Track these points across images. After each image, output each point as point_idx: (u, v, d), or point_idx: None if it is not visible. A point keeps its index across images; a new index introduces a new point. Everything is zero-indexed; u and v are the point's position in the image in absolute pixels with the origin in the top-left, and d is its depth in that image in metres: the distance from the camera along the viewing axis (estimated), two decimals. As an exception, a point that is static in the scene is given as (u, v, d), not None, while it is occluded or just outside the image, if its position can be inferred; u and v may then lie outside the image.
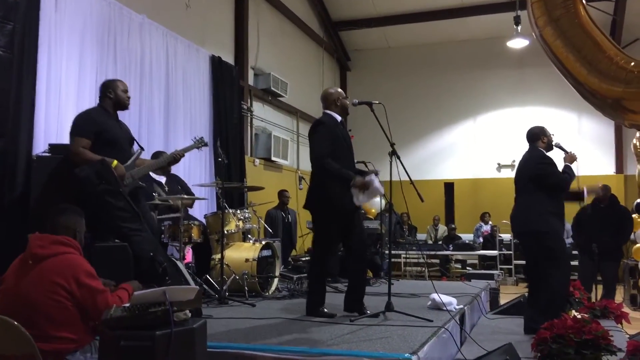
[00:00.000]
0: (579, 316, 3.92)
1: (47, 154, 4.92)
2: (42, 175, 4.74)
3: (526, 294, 5.32)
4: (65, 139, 4.46)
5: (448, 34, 14.01)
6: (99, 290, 2.94)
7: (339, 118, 4.57)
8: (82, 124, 4.38)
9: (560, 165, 4.89)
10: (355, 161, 4.71)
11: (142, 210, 4.47)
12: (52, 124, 5.66)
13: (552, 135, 5.00)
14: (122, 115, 4.74)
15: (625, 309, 5.74)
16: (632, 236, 8.05)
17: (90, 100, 5.93)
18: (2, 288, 3.01)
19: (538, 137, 4.94)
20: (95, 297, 2.89)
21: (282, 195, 9.02)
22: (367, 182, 4.14)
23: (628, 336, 4.66)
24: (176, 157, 4.87)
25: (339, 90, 4.69)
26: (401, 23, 13.58)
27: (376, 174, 4.30)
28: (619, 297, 7.93)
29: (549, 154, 4.93)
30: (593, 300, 6.53)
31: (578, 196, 4.86)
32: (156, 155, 5.72)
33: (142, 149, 4.69)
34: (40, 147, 5.32)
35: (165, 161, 4.90)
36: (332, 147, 4.34)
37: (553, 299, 4.62)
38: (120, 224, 4.19)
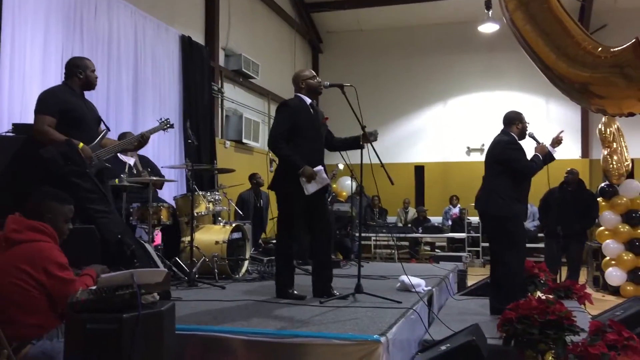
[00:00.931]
0: (543, 297, 4.00)
1: (10, 134, 4.79)
2: (5, 156, 4.61)
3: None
4: (30, 119, 4.35)
5: (420, 17, 14.03)
6: (69, 281, 2.87)
7: (308, 100, 4.53)
8: (47, 101, 4.25)
9: (530, 154, 4.93)
10: (323, 144, 4.68)
11: (107, 191, 4.39)
12: (16, 103, 5.53)
13: (527, 124, 5.03)
14: (89, 95, 4.63)
15: (588, 290, 5.88)
16: (596, 219, 8.22)
17: (55, 79, 5.79)
18: None
19: (513, 122, 4.99)
20: (66, 288, 2.82)
21: (255, 177, 8.99)
22: (314, 173, 4.24)
23: (590, 317, 4.79)
24: (144, 139, 4.74)
25: (307, 71, 4.63)
26: (373, 5, 13.54)
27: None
28: (582, 278, 8.12)
29: (521, 141, 4.98)
30: (558, 281, 6.68)
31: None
32: (122, 136, 5.62)
33: (107, 129, 4.59)
34: (3, 126, 5.20)
35: (132, 143, 4.78)
36: (290, 129, 4.33)
37: (511, 282, 4.71)
38: (87, 205, 4.11)
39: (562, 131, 5.08)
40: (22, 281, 2.80)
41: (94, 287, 2.62)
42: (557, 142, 4.97)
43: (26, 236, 2.90)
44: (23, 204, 3.06)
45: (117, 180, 5.23)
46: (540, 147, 4.96)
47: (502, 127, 5.09)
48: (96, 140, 4.37)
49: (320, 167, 4.35)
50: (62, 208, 3.12)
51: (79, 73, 4.39)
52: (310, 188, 4.29)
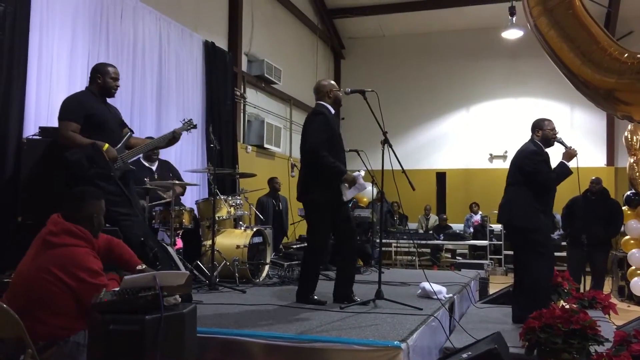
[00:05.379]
0: (567, 306, 3.94)
1: (37, 137, 4.88)
2: (32, 158, 4.71)
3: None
4: (56, 122, 4.42)
5: (443, 24, 13.97)
6: (100, 286, 2.89)
7: (332, 110, 4.59)
8: (71, 108, 4.32)
9: (558, 159, 4.83)
10: (345, 152, 4.71)
11: (131, 194, 4.44)
12: (43, 106, 5.62)
13: (552, 130, 4.85)
14: (113, 99, 4.69)
15: (613, 300, 5.79)
16: (622, 228, 8.09)
17: (81, 83, 5.88)
18: (22, 261, 3.02)
19: (534, 130, 4.91)
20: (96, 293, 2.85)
21: (273, 182, 9.01)
22: (355, 179, 4.33)
23: (615, 327, 4.71)
24: (176, 136, 4.77)
25: (332, 82, 4.71)
26: (396, 11, 13.50)
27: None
28: (607, 288, 8.00)
29: (550, 147, 4.88)
30: (582, 291, 6.58)
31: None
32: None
33: (131, 132, 4.65)
34: (30, 129, 5.28)
35: (164, 141, 4.80)
36: (327, 138, 4.36)
37: (537, 290, 4.65)
38: (111, 208, 4.14)
39: (571, 147, 4.93)
40: (51, 284, 2.84)
41: (117, 289, 2.65)
42: (569, 155, 4.85)
43: (62, 240, 2.94)
44: (63, 205, 3.09)
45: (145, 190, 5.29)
46: (567, 153, 4.82)
47: (525, 134, 5.04)
48: (121, 143, 4.42)
49: (359, 173, 4.40)
50: (101, 204, 3.21)
51: (97, 78, 4.45)
52: (349, 194, 4.36)
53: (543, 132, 4.87)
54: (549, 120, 4.94)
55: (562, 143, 4.93)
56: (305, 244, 4.87)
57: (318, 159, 4.33)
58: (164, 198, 5.82)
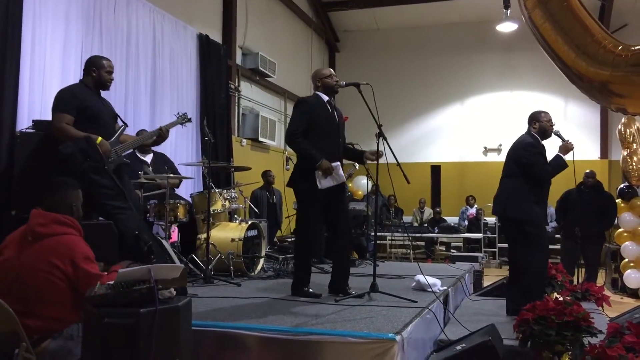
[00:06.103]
0: (560, 298, 3.96)
1: (30, 130, 4.85)
2: (25, 152, 4.69)
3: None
4: (50, 115, 4.40)
5: (437, 17, 13.96)
6: (96, 275, 2.89)
7: (326, 98, 4.54)
8: (64, 100, 4.30)
9: (554, 153, 4.85)
10: (342, 142, 4.68)
11: (125, 187, 4.42)
12: (36, 100, 5.59)
13: (548, 122, 4.87)
14: (107, 93, 4.67)
15: (607, 292, 5.81)
16: (615, 221, 8.13)
17: (75, 76, 5.85)
18: (1, 259, 2.99)
19: (531, 122, 4.92)
20: (91, 282, 2.83)
21: (267, 175, 9.01)
22: (331, 168, 4.27)
23: (608, 319, 4.73)
24: (162, 134, 4.77)
25: (325, 70, 4.65)
26: (391, 4, 13.49)
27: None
28: (600, 280, 8.04)
29: (547, 140, 4.89)
30: (575, 283, 6.62)
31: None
32: (139, 134, 5.66)
33: (125, 125, 4.63)
34: (24, 123, 5.26)
35: (150, 137, 4.81)
36: (308, 125, 4.35)
37: (532, 282, 4.67)
38: (105, 201, 4.15)
39: (569, 140, 4.94)
40: (49, 274, 2.83)
41: (111, 282, 2.65)
42: (565, 149, 4.86)
43: (52, 229, 2.93)
44: (41, 198, 3.09)
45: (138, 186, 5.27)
46: (564, 146, 4.83)
47: (520, 127, 5.05)
48: (114, 136, 4.41)
49: (337, 163, 4.36)
50: (78, 193, 3.21)
51: (92, 71, 4.43)
52: (325, 183, 4.28)
53: (540, 124, 4.88)
54: (546, 112, 4.95)
55: (559, 136, 4.94)
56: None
57: (293, 144, 4.37)
58: (160, 187, 5.80)
